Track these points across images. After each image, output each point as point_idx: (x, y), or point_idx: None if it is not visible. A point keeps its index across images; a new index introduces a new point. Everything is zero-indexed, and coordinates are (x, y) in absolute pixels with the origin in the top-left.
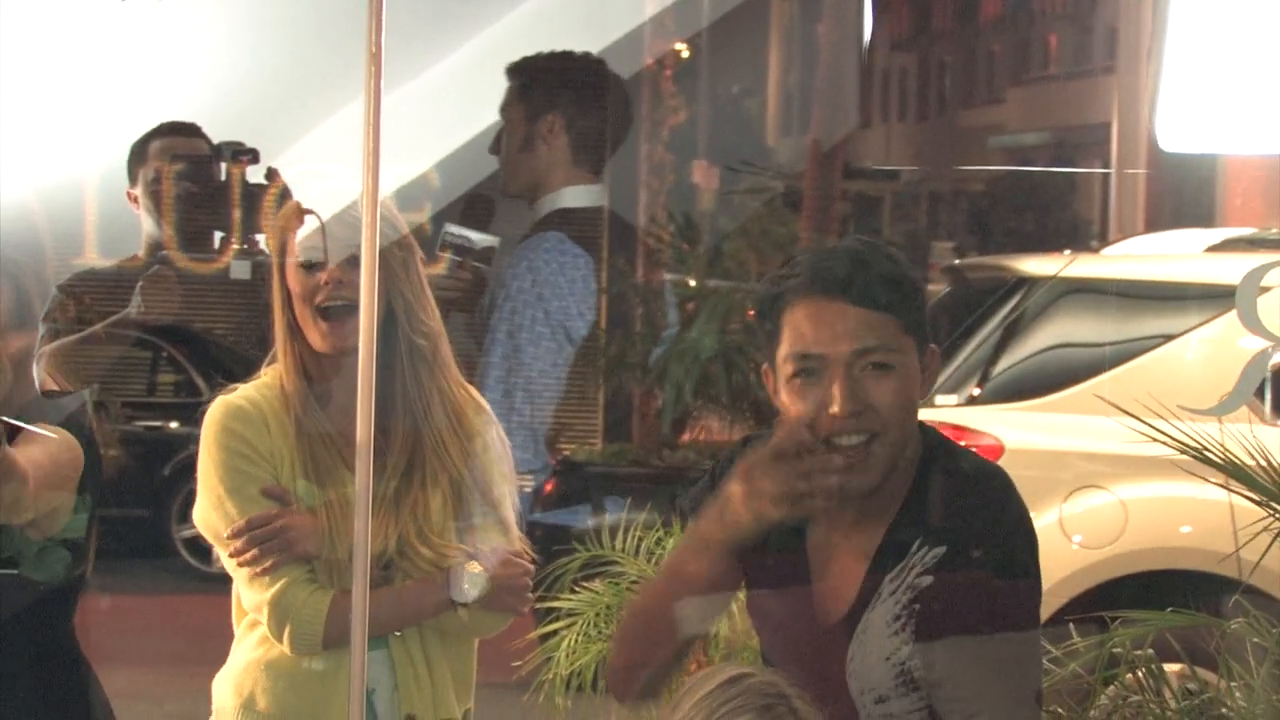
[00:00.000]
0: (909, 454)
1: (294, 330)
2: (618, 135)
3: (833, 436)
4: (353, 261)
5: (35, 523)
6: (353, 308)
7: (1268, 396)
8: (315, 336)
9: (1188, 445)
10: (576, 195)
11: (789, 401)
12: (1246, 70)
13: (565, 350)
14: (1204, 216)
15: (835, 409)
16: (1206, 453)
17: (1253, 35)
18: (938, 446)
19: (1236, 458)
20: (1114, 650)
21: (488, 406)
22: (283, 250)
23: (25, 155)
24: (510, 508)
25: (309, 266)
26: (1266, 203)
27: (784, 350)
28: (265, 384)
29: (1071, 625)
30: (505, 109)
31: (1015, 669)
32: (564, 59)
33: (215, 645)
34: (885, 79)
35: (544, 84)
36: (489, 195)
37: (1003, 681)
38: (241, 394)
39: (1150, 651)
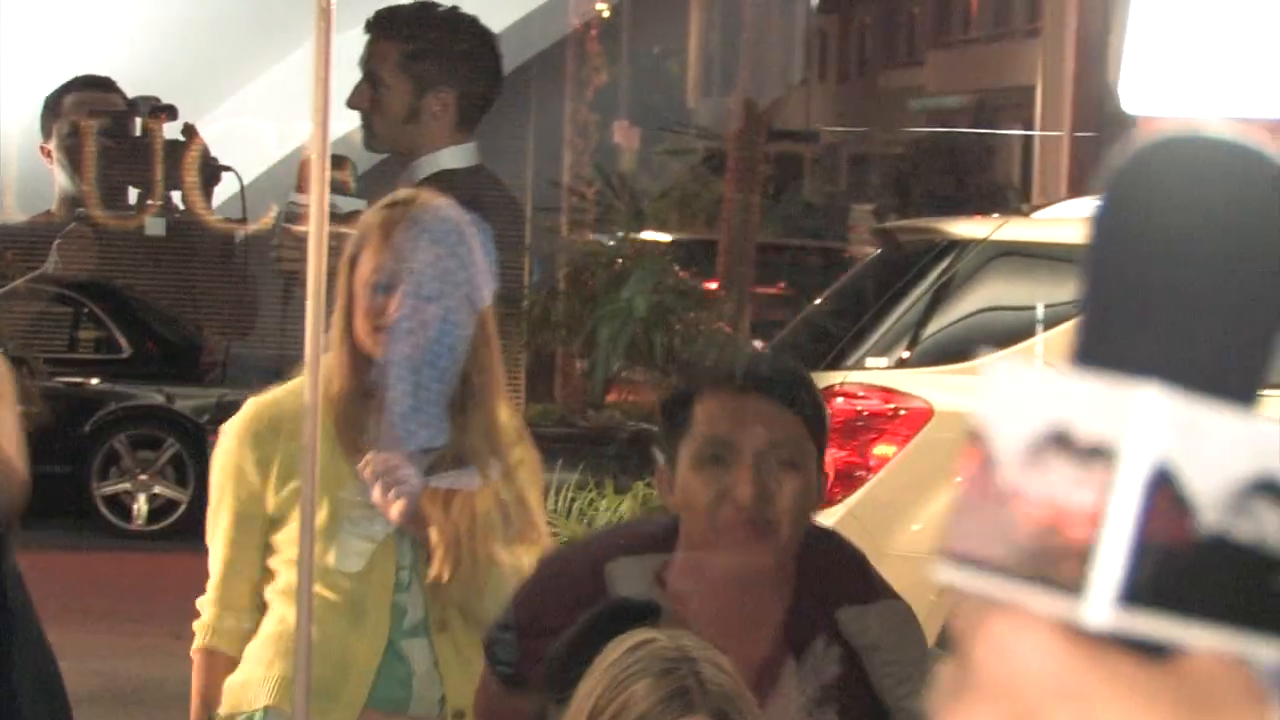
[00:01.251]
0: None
1: (348, 332)
2: (493, 97)
3: (731, 529)
4: (421, 292)
5: None
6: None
7: None
8: (370, 346)
9: None
10: (455, 156)
11: (694, 489)
12: (1224, 28)
13: (470, 321)
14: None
15: (741, 496)
16: None
17: None
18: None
19: None
20: None
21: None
22: (353, 263)
23: None
24: (542, 516)
25: (382, 288)
26: None
27: (693, 438)
28: (294, 390)
29: None
30: (383, 72)
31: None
32: (454, 27)
33: (133, 602)
34: (809, 41)
35: (437, 56)
36: (344, 155)
37: None
38: (273, 399)
39: None
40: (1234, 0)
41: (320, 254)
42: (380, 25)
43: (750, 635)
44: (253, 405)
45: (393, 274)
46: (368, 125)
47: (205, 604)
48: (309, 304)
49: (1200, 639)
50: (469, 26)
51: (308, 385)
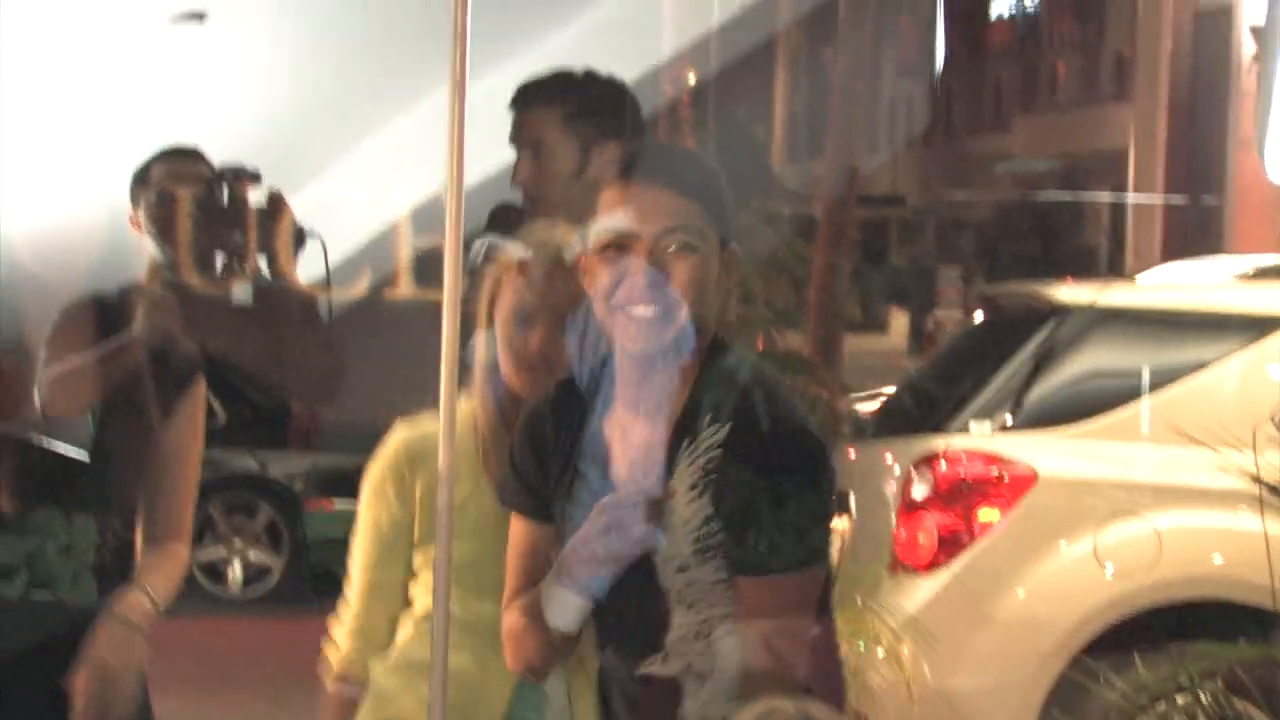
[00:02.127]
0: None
1: (494, 361)
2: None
3: (630, 305)
4: (561, 328)
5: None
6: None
7: None
8: (515, 382)
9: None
10: None
11: (596, 274)
12: None
13: None
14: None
15: (636, 279)
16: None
17: None
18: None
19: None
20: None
21: None
22: (492, 301)
23: (41, 180)
24: None
25: (523, 322)
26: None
27: (595, 231)
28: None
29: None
30: (546, 137)
31: (800, 532)
32: (598, 84)
33: (231, 668)
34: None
35: (594, 113)
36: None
37: (789, 541)
38: (419, 431)
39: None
40: None
41: (454, 294)
42: (530, 96)
43: (657, 407)
44: (399, 436)
45: (533, 309)
46: (532, 197)
47: (343, 636)
48: (444, 341)
49: None
50: (610, 82)
51: (443, 428)
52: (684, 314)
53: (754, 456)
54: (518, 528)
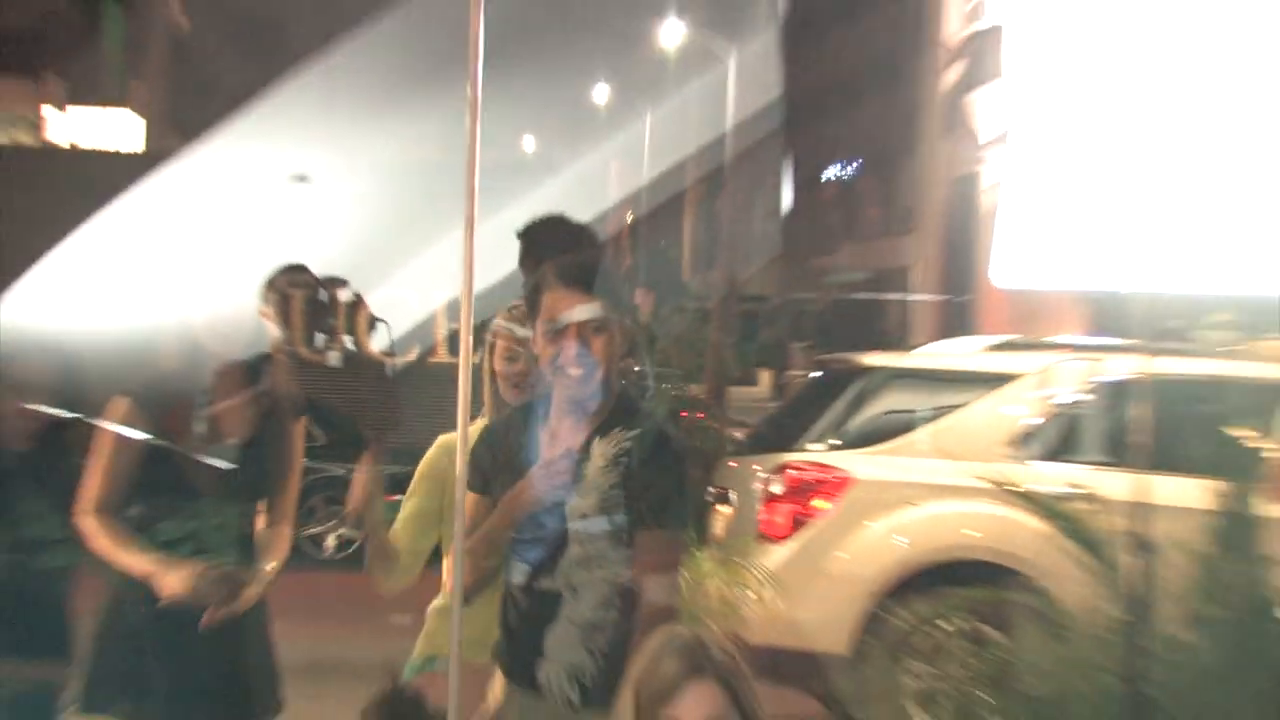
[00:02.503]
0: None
1: (496, 392)
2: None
3: (566, 367)
4: (534, 359)
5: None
6: (532, 383)
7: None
8: (509, 395)
9: (996, 479)
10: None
11: (545, 347)
12: (1064, 223)
13: None
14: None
15: (569, 351)
16: (1007, 484)
17: (1068, 195)
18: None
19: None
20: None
21: None
22: (492, 350)
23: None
24: None
25: (510, 359)
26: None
27: (542, 319)
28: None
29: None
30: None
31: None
32: (575, 226)
33: (326, 605)
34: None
35: (560, 242)
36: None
37: (664, 507)
38: (449, 441)
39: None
40: (1081, 190)
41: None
42: (529, 233)
43: (580, 423)
44: (436, 445)
45: (516, 356)
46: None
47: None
48: (460, 387)
49: None
50: (576, 224)
51: (459, 444)
52: (600, 373)
53: (644, 452)
54: (469, 499)
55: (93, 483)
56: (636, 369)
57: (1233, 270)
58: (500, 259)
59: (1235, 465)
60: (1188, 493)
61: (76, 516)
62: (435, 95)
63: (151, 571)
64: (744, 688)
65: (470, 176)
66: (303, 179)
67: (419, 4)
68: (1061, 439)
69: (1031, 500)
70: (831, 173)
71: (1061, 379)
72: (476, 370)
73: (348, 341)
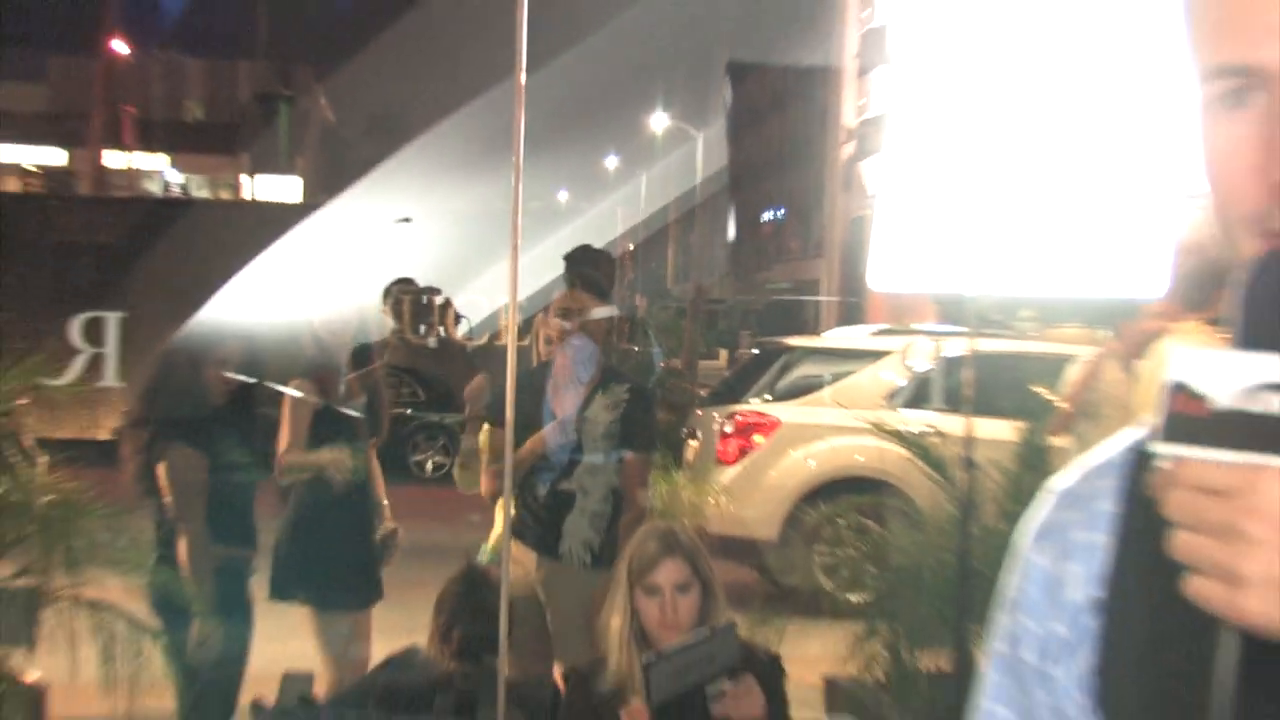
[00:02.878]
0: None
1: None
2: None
3: (568, 343)
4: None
5: None
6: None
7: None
8: (543, 355)
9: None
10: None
11: (556, 330)
12: (922, 240)
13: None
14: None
15: (573, 332)
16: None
17: (942, 203)
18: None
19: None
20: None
21: None
22: (537, 336)
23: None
24: None
25: (548, 343)
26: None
27: (555, 310)
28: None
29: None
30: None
31: (646, 434)
32: (601, 253)
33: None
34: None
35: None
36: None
37: (640, 438)
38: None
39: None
40: (936, 214)
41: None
42: (571, 257)
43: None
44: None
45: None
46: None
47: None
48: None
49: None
50: (602, 251)
51: (508, 401)
52: (594, 349)
53: (630, 403)
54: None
55: (287, 432)
56: (637, 349)
57: (1062, 276)
58: (541, 275)
59: (1033, 412)
60: (1002, 430)
61: (280, 456)
62: (495, 163)
63: (332, 459)
64: (703, 563)
65: (514, 217)
66: (406, 220)
67: (482, 103)
68: (918, 394)
69: (898, 436)
70: (767, 215)
71: (918, 354)
72: (526, 351)
73: (440, 331)
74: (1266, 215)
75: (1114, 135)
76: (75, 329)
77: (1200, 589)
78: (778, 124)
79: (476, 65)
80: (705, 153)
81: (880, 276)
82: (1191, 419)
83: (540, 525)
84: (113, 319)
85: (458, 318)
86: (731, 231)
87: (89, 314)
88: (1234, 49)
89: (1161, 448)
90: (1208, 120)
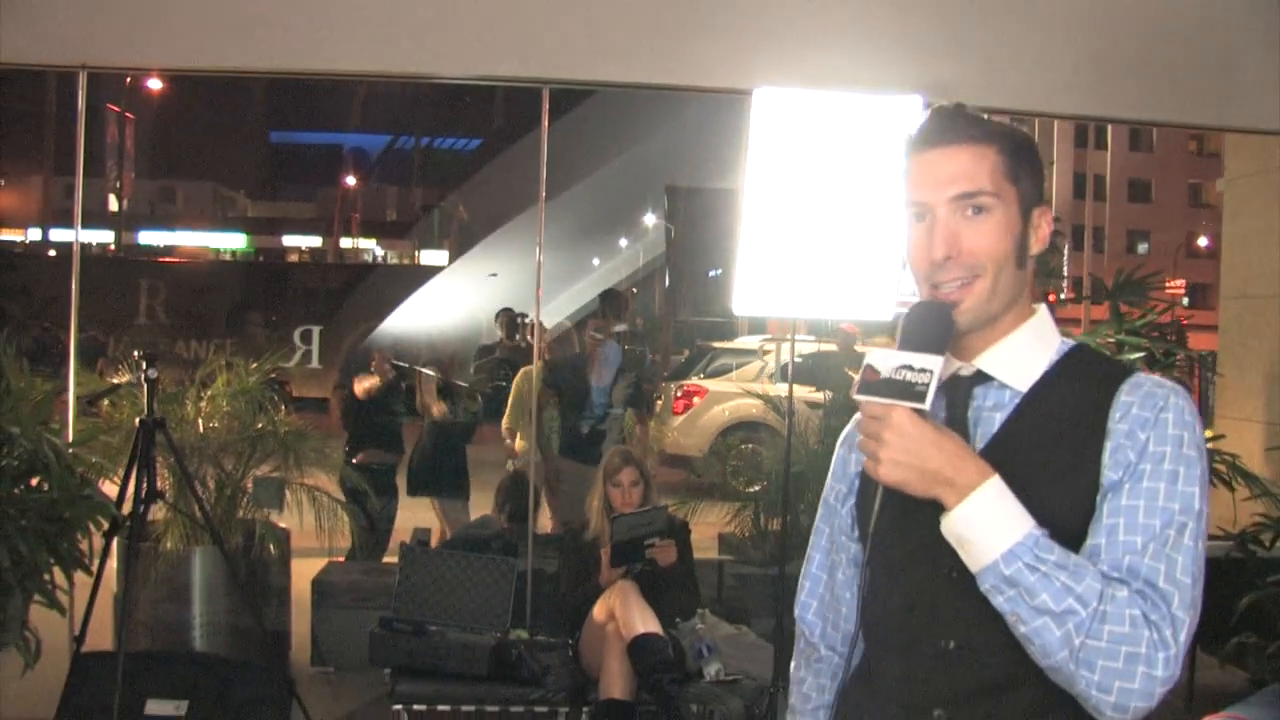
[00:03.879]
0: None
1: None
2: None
3: (604, 346)
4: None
5: None
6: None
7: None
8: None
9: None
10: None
11: (593, 340)
12: (785, 264)
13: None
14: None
15: (603, 341)
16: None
17: (771, 256)
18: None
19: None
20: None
21: None
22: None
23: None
24: None
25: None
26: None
27: (592, 327)
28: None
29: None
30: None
31: (640, 401)
32: (620, 294)
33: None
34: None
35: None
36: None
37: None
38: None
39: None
40: (778, 253)
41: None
42: (604, 297)
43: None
44: (524, 368)
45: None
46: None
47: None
48: (536, 349)
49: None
50: (621, 292)
51: (535, 372)
52: (617, 349)
53: (632, 384)
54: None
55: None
56: (637, 350)
57: (841, 305)
58: (570, 304)
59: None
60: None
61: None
62: (552, 243)
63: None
64: (646, 470)
65: (538, 273)
66: (494, 275)
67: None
68: (780, 375)
69: (767, 399)
70: (710, 272)
71: (774, 352)
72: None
73: (528, 338)
74: (928, 276)
75: (875, 234)
76: (296, 334)
77: (866, 465)
78: (710, 219)
79: (526, 187)
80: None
81: (741, 302)
82: (870, 381)
83: (585, 446)
84: (316, 330)
85: (533, 329)
86: (688, 281)
87: (303, 327)
88: (915, 193)
89: (858, 395)
90: (908, 230)
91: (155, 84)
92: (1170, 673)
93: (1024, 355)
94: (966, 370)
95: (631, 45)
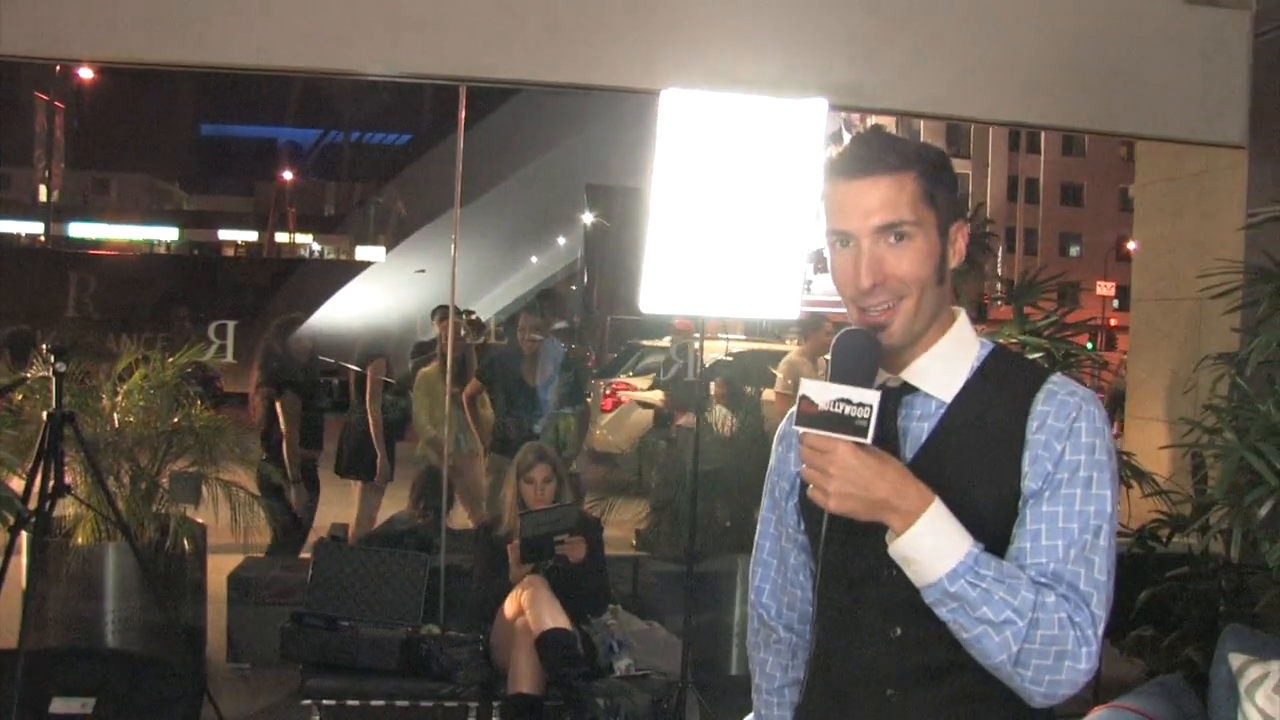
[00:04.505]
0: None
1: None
2: None
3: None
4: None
5: None
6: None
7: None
8: (527, 350)
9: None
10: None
11: (524, 337)
12: (692, 263)
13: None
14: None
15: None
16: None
17: (677, 256)
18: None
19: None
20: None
21: None
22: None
23: None
24: None
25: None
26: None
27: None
28: None
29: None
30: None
31: (575, 397)
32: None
33: None
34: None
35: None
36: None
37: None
38: None
39: None
40: (684, 254)
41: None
42: (527, 306)
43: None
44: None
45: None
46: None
47: None
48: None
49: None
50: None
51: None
52: (555, 345)
53: (571, 378)
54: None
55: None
56: (573, 347)
57: (767, 301)
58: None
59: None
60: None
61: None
62: (476, 236)
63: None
64: (560, 467)
65: (452, 269)
66: (422, 271)
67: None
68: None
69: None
70: None
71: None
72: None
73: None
74: (855, 300)
75: (782, 234)
76: (211, 329)
77: (812, 494)
78: (627, 218)
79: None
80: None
81: (648, 301)
82: (808, 413)
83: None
84: (230, 324)
85: (482, 324)
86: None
87: (218, 322)
88: (837, 222)
89: (798, 426)
90: (831, 253)
91: (86, 73)
92: (1092, 665)
93: (947, 365)
94: (893, 382)
95: (547, 44)
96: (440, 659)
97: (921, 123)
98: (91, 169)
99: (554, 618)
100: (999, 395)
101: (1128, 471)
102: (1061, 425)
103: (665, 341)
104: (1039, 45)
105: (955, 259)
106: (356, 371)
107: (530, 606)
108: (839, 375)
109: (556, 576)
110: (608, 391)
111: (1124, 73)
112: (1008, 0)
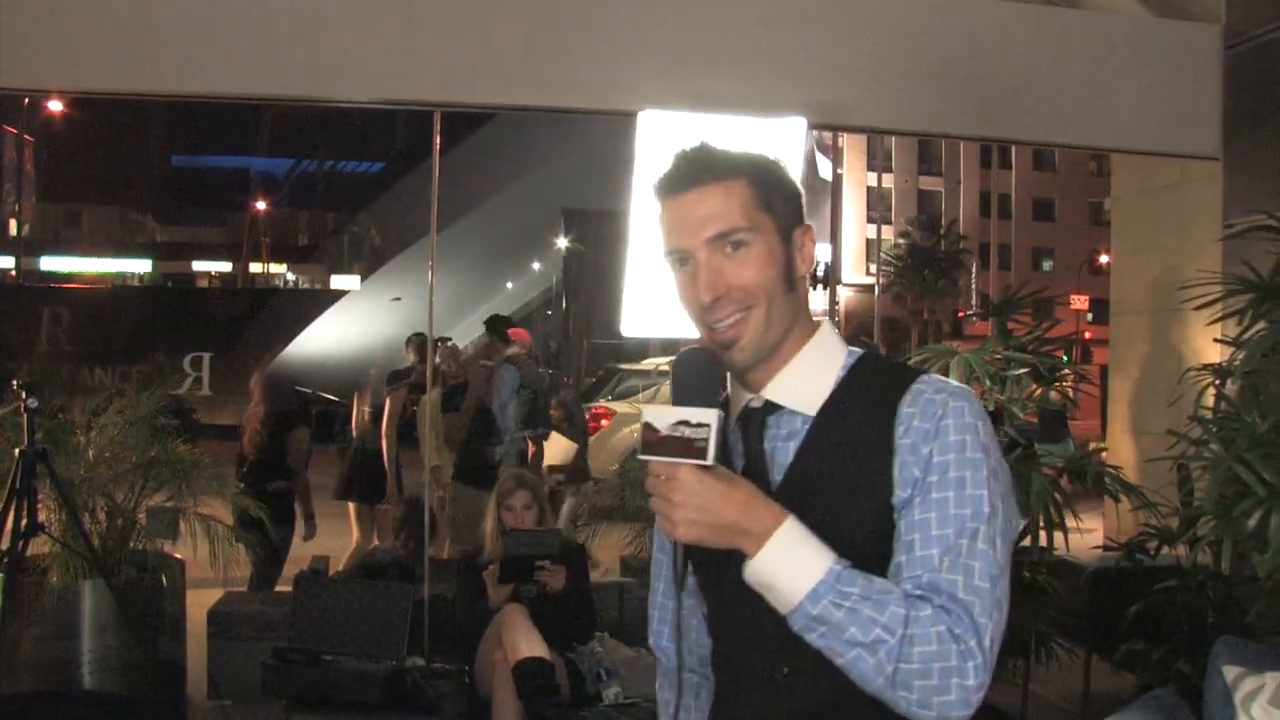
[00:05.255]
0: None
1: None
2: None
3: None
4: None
5: None
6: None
7: None
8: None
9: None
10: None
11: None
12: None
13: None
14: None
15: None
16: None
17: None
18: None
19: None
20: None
21: None
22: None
23: None
24: None
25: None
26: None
27: (488, 350)
28: None
29: None
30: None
31: (539, 420)
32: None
33: None
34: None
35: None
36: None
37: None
38: None
39: None
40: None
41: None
42: (489, 323)
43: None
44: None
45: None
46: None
47: None
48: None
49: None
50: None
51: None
52: (510, 371)
53: (537, 400)
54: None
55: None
56: (551, 371)
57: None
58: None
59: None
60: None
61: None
62: (452, 264)
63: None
64: (541, 493)
65: (430, 296)
66: (398, 299)
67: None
68: None
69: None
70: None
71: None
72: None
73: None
74: (701, 318)
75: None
76: (186, 361)
77: (662, 526)
78: (605, 242)
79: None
80: None
81: (629, 325)
82: (650, 441)
83: (483, 471)
84: (205, 356)
85: (456, 351)
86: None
87: (193, 354)
88: (671, 241)
89: (641, 455)
90: (673, 272)
91: (56, 105)
92: (981, 679)
93: (810, 377)
94: (756, 402)
95: (521, 69)
96: (425, 691)
97: (894, 139)
98: (62, 202)
99: (530, 646)
100: (865, 403)
101: (1116, 486)
102: (928, 426)
103: (644, 365)
104: (1012, 62)
105: (804, 265)
106: (338, 401)
107: (509, 635)
108: (679, 397)
109: (540, 604)
110: (587, 416)
111: (1097, 87)
112: (980, 19)
